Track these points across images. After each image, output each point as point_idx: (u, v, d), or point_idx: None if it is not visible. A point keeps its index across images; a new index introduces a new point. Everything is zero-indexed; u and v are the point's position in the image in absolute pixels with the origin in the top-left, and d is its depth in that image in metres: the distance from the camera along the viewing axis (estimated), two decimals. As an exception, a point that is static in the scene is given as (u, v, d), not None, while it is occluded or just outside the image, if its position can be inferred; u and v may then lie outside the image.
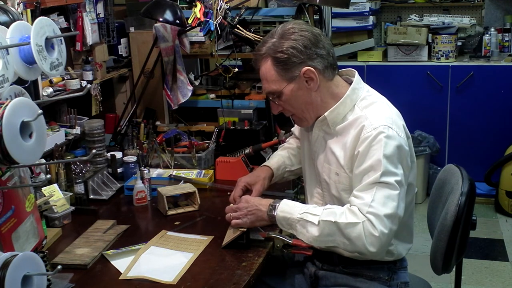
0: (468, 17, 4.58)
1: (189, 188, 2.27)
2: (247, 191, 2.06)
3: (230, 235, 1.88)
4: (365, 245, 1.66)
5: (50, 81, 2.59)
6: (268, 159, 2.25)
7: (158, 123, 3.19)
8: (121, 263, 1.80)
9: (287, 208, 1.79)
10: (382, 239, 1.65)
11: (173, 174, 2.47)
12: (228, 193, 2.18)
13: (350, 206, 1.71)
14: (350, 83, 1.85)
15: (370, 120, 1.74)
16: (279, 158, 2.16)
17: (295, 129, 2.21)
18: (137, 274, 1.72)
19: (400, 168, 1.71)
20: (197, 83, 3.29)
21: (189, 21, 2.84)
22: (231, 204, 1.97)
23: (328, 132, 1.84)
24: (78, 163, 2.40)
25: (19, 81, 1.30)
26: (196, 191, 2.23)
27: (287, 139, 2.30)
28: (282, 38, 1.76)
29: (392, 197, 1.67)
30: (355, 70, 1.88)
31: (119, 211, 2.26)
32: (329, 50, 1.80)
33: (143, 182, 2.30)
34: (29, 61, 1.26)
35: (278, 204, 1.81)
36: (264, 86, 1.85)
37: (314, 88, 1.78)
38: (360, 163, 1.71)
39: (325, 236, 1.70)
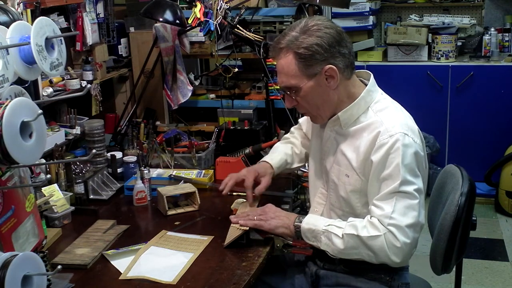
0: (468, 17, 4.58)
1: (189, 188, 2.27)
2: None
3: (231, 235, 1.88)
4: (389, 256, 1.68)
5: (50, 81, 2.59)
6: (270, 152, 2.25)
7: (158, 123, 3.19)
8: (121, 263, 1.80)
9: (312, 220, 1.80)
10: (405, 249, 1.67)
11: (173, 174, 2.46)
12: (233, 193, 2.19)
13: (370, 218, 1.71)
14: (365, 85, 1.84)
15: (385, 126, 1.73)
16: (282, 156, 2.16)
17: (304, 122, 2.20)
18: (137, 274, 1.72)
19: (419, 175, 1.72)
20: (197, 83, 3.29)
21: (189, 21, 2.84)
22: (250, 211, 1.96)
23: (339, 133, 1.84)
24: (78, 163, 2.40)
25: (19, 81, 1.30)
26: (196, 191, 2.23)
27: (291, 129, 2.27)
28: (306, 33, 1.74)
29: (413, 206, 1.69)
30: (370, 73, 1.87)
31: (119, 211, 2.26)
32: (350, 49, 1.79)
33: (143, 182, 2.30)
34: (29, 61, 1.26)
35: (303, 217, 1.82)
36: (282, 79, 1.81)
37: (333, 87, 1.77)
38: (378, 172, 1.72)
39: (350, 249, 1.72)
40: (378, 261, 1.72)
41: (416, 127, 1.81)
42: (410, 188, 1.69)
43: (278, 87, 2.62)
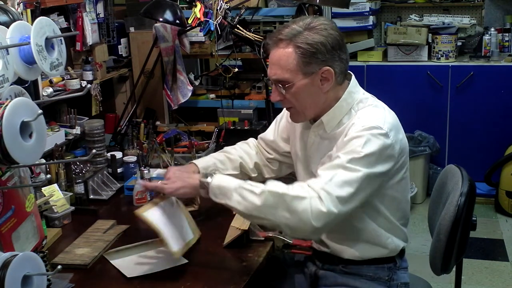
0: (468, 17, 4.58)
1: (189, 188, 2.26)
2: None
3: (231, 235, 1.88)
4: (310, 220, 1.57)
5: (50, 81, 2.59)
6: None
7: (158, 123, 3.19)
8: (121, 263, 1.80)
9: (224, 178, 1.70)
10: (330, 217, 1.58)
11: (173, 174, 2.46)
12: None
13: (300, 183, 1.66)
14: None
15: (361, 119, 1.70)
16: (210, 159, 2.02)
17: (270, 134, 2.06)
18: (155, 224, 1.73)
19: (376, 165, 1.64)
20: (197, 83, 3.30)
21: (189, 21, 2.84)
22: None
23: (324, 137, 1.80)
24: (78, 163, 2.40)
25: (19, 81, 1.30)
26: (196, 191, 2.23)
27: (249, 142, 2.13)
28: (311, 30, 1.69)
29: (351, 182, 1.60)
30: (351, 73, 1.84)
31: (119, 211, 2.26)
32: (347, 56, 1.76)
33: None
34: (29, 61, 1.26)
35: (214, 174, 1.72)
36: (275, 71, 1.73)
37: (325, 89, 1.73)
38: (338, 150, 1.68)
39: (267, 207, 1.61)
40: (294, 225, 1.60)
41: (396, 124, 1.74)
42: (358, 167, 1.61)
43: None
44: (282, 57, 1.71)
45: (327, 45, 1.69)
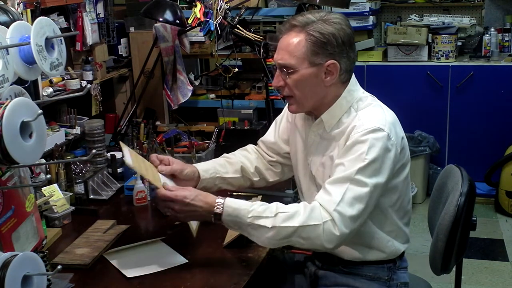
0: (468, 17, 4.58)
1: (189, 188, 2.26)
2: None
3: (231, 235, 1.88)
4: (322, 244, 1.63)
5: (50, 81, 2.59)
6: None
7: (158, 123, 3.19)
8: (121, 263, 1.80)
9: (232, 210, 1.68)
10: (342, 238, 1.64)
11: (173, 174, 2.46)
12: (228, 193, 2.19)
13: (311, 204, 1.67)
14: None
15: (362, 121, 1.70)
16: (209, 163, 2.02)
17: (271, 136, 2.06)
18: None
19: (382, 172, 1.66)
20: (197, 83, 3.30)
21: (189, 21, 2.85)
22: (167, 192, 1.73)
23: (324, 137, 1.80)
24: (78, 163, 2.40)
25: (19, 81, 1.30)
26: (196, 191, 2.22)
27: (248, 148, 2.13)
28: (325, 22, 1.70)
29: (361, 198, 1.64)
30: (352, 72, 1.85)
31: (119, 211, 2.26)
32: (355, 56, 1.78)
33: (143, 182, 2.30)
34: (29, 61, 1.26)
35: (220, 206, 1.69)
36: (282, 56, 1.73)
37: (327, 83, 1.73)
38: (342, 155, 1.69)
39: (280, 239, 1.66)
40: (307, 247, 1.70)
41: (395, 121, 1.75)
42: (366, 179, 1.64)
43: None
44: (292, 43, 1.72)
45: (339, 38, 1.70)
